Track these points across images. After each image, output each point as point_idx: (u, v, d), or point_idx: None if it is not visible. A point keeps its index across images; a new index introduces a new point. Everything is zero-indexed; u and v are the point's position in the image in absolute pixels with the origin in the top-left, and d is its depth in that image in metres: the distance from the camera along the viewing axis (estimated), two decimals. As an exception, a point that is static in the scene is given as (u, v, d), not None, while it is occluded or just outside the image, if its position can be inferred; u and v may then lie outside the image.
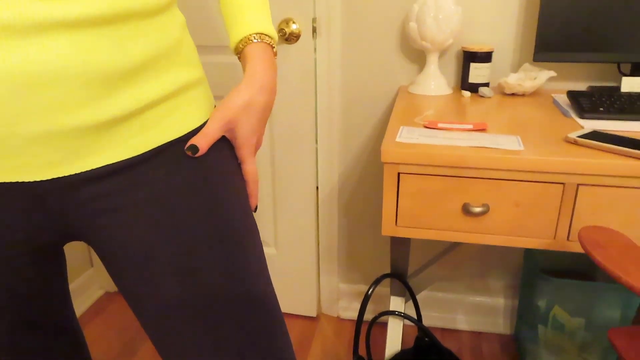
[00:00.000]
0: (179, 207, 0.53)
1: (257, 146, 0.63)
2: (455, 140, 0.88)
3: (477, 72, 1.20)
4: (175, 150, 0.54)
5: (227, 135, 0.60)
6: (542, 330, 1.26)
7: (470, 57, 1.20)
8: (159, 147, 0.53)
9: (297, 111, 1.44)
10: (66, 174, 0.48)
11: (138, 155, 0.51)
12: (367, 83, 1.40)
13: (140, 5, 0.48)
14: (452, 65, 1.32)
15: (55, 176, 0.47)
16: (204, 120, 0.59)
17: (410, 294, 1.24)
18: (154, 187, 0.52)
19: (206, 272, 0.54)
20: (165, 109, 0.53)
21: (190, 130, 0.56)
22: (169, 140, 0.54)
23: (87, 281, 1.79)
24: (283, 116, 1.45)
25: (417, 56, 1.33)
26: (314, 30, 1.35)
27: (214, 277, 0.54)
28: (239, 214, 0.58)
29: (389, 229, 0.91)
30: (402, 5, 1.29)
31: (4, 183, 0.46)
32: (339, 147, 1.49)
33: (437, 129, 0.95)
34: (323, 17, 1.34)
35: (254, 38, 0.61)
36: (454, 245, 1.16)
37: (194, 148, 0.55)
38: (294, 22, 1.32)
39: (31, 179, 0.47)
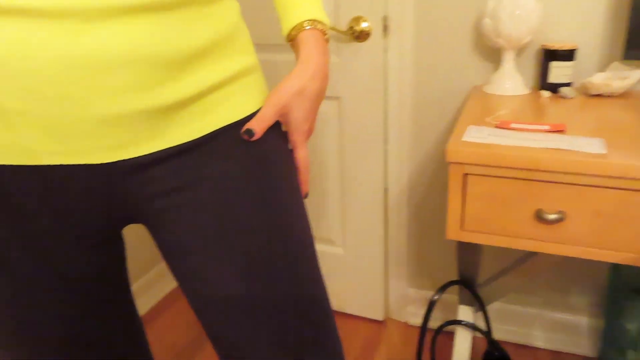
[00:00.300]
0: (235, 191, 0.54)
1: (309, 133, 0.63)
2: (529, 141, 0.82)
3: (558, 72, 1.12)
4: (231, 135, 0.55)
5: (280, 120, 0.61)
6: (632, 356, 1.15)
7: (550, 55, 1.12)
8: (215, 131, 0.54)
9: (367, 111, 1.42)
10: (131, 157, 0.49)
11: (196, 139, 0.53)
12: (439, 82, 1.35)
13: None
14: (530, 64, 1.24)
15: (120, 158, 0.49)
16: (259, 107, 0.59)
17: (479, 304, 1.18)
18: (210, 170, 0.53)
19: (261, 265, 0.54)
20: (223, 94, 0.54)
21: (245, 115, 0.57)
22: (225, 124, 0.55)
23: (155, 278, 1.84)
24: (352, 116, 1.44)
25: (492, 54, 1.27)
26: (385, 28, 1.33)
27: (269, 271, 0.55)
28: (292, 199, 0.59)
29: (453, 232, 0.87)
30: (476, 2, 1.24)
31: (72, 165, 0.48)
32: (409, 148, 1.45)
33: (509, 129, 0.89)
34: (394, 15, 1.31)
35: (306, 25, 0.61)
36: (530, 255, 1.09)
37: (250, 132, 0.56)
38: (364, 21, 1.31)
39: (98, 161, 0.48)
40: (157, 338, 1.63)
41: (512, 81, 1.16)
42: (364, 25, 1.31)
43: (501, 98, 1.12)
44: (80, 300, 0.55)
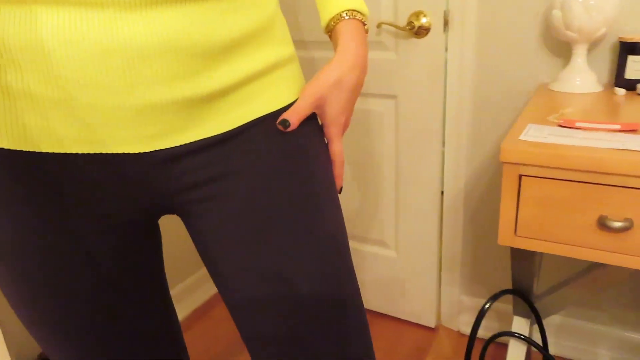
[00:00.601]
0: (268, 183, 0.53)
1: (346, 126, 0.62)
2: (595, 141, 0.75)
3: (637, 66, 1.02)
4: (266, 126, 0.55)
5: (316, 112, 0.59)
6: None
7: (628, 48, 1.03)
8: (251, 122, 0.53)
9: (424, 110, 1.37)
10: (167, 147, 0.49)
11: (232, 130, 0.52)
12: (502, 80, 1.28)
13: None
14: (604, 58, 1.14)
15: (156, 148, 0.49)
16: (295, 98, 0.58)
17: (535, 316, 1.10)
18: (245, 161, 0.53)
19: (291, 261, 0.53)
20: (259, 85, 0.54)
21: (281, 106, 0.56)
22: (261, 115, 0.54)
23: (196, 282, 1.84)
24: (409, 115, 1.40)
25: (562, 49, 1.18)
26: (446, 23, 1.28)
27: (298, 267, 0.53)
28: (325, 193, 0.57)
29: (506, 238, 0.81)
30: (547, -7, 1.16)
31: (109, 154, 0.49)
32: (467, 149, 1.39)
33: (574, 128, 0.82)
34: (456, 9, 1.26)
35: (345, 15, 0.59)
36: (595, 266, 1.00)
37: (285, 123, 0.55)
38: (424, 16, 1.27)
39: (135, 150, 0.48)
40: (190, 345, 1.64)
41: (582, 77, 1.08)
42: (423, 20, 1.27)
43: (570, 96, 1.04)
44: (113, 288, 0.56)
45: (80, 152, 0.48)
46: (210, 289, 1.89)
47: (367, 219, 1.60)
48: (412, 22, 1.28)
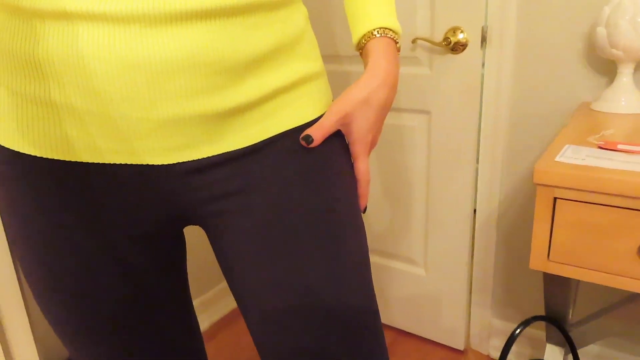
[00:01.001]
0: (289, 199, 0.53)
1: (373, 144, 0.60)
2: (638, 165, 0.71)
3: (686, 87, 0.97)
4: (290, 141, 0.54)
5: (342, 129, 0.58)
6: None
7: (677, 68, 0.98)
8: (274, 136, 0.53)
9: (459, 127, 1.34)
10: (190, 159, 0.50)
11: (254, 144, 0.52)
12: (541, 98, 1.24)
13: None
14: (652, 78, 1.09)
15: (179, 160, 0.50)
16: (321, 113, 0.58)
17: (570, 346, 1.05)
18: (266, 176, 0.53)
19: (309, 278, 0.52)
20: (284, 100, 0.53)
21: (306, 121, 0.56)
22: (284, 130, 0.54)
23: (220, 293, 1.85)
24: (442, 131, 1.37)
25: (606, 67, 1.13)
26: (484, 39, 1.25)
27: (317, 284, 0.53)
28: (348, 213, 0.56)
29: (538, 262, 0.78)
30: (589, 9, 1.12)
31: (142, 165, 0.50)
32: (502, 169, 1.35)
33: (615, 150, 0.78)
34: (495, 25, 1.23)
35: (377, 32, 0.59)
36: (636, 296, 0.95)
37: (308, 138, 0.54)
38: (461, 31, 1.25)
39: (157, 162, 0.49)
40: (212, 356, 1.64)
41: (628, 97, 1.03)
42: (460, 36, 1.25)
43: (612, 116, 1.00)
44: (141, 295, 0.56)
45: (117, 163, 0.49)
46: (232, 302, 1.89)
47: (396, 234, 1.58)
48: (449, 38, 1.26)
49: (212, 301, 1.80)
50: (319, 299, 0.52)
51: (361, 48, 0.61)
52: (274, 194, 0.53)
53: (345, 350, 0.53)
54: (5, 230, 0.56)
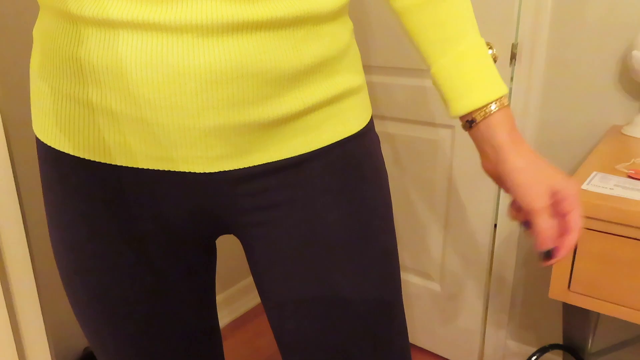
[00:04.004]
0: (327, 214, 0.53)
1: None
2: (667, 198, 0.69)
3: None
4: (333, 154, 0.54)
5: (553, 202, 0.54)
6: None
7: None
8: (314, 151, 0.53)
9: (483, 142, 1.32)
10: (232, 168, 0.50)
11: (297, 156, 0.52)
12: (571, 119, 1.21)
13: (318, 10, 0.49)
14: (688, 105, 1.05)
15: (222, 169, 0.50)
16: (361, 127, 0.57)
17: (587, 376, 1.02)
18: (307, 189, 0.53)
19: (339, 294, 0.54)
20: (327, 113, 0.53)
21: (347, 135, 0.55)
22: (328, 143, 0.54)
23: (239, 291, 1.86)
24: (466, 146, 1.35)
25: (639, 91, 1.10)
26: (513, 56, 1.23)
27: (347, 303, 0.54)
28: (385, 231, 0.57)
29: (558, 292, 0.76)
30: (624, 32, 1.09)
31: (178, 172, 0.51)
32: (527, 187, 1.32)
33: (644, 181, 0.76)
34: (526, 43, 1.21)
35: (494, 106, 0.54)
36: (658, 331, 0.91)
37: (549, 253, 0.53)
38: (490, 47, 1.22)
39: (200, 170, 0.50)
40: (229, 354, 1.65)
41: (659, 125, 1.00)
42: (489, 52, 1.23)
43: (642, 143, 0.97)
44: (170, 297, 0.58)
45: (151, 168, 0.50)
46: (253, 299, 1.91)
47: (413, 247, 1.56)
48: (478, 53, 1.24)
49: (229, 300, 1.82)
50: (350, 313, 0.54)
51: (470, 122, 0.56)
52: (313, 209, 0.53)
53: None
54: (46, 211, 0.57)
